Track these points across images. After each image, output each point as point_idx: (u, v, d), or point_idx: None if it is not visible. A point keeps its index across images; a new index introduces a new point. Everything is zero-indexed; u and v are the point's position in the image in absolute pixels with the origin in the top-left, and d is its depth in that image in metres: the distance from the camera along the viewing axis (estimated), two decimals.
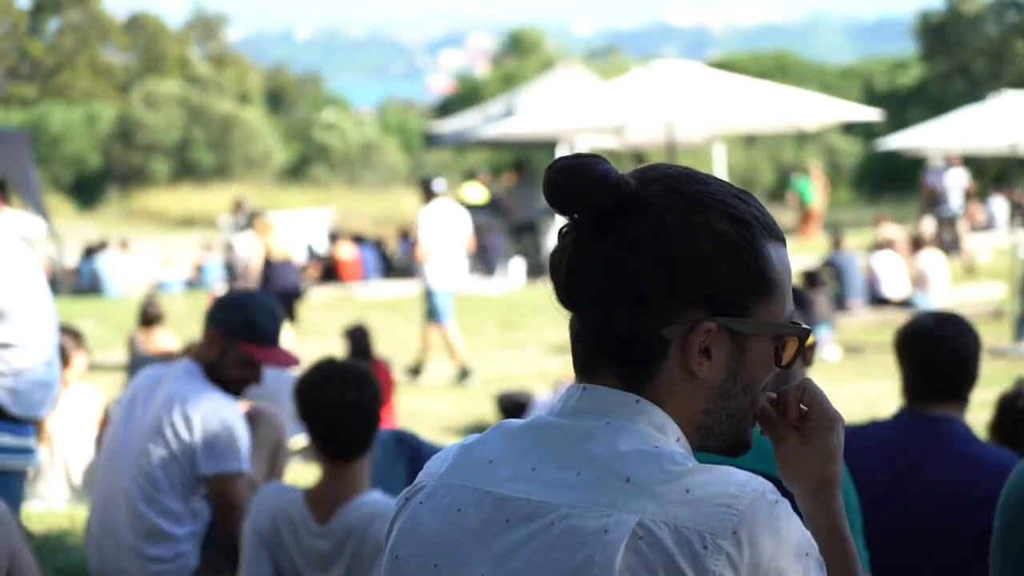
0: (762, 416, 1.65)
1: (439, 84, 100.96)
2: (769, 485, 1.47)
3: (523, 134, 17.38)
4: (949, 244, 19.01)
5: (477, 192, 21.27)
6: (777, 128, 17.15)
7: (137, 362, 9.94)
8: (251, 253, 14.61)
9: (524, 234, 19.58)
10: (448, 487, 1.58)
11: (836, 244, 15.90)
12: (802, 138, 35.34)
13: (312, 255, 20.65)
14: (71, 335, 6.53)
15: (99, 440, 6.36)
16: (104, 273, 20.81)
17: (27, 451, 4.38)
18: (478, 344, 14.25)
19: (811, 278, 13.50)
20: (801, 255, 17.71)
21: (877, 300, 15.16)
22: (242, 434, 4.13)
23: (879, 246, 16.26)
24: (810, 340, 1.64)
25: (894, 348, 3.62)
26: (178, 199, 38.53)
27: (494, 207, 20.29)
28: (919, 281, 15.08)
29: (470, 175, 23.46)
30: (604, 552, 1.45)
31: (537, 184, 15.87)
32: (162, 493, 4.10)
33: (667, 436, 1.53)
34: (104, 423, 6.44)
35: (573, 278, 1.56)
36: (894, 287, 15.15)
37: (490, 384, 11.19)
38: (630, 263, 1.52)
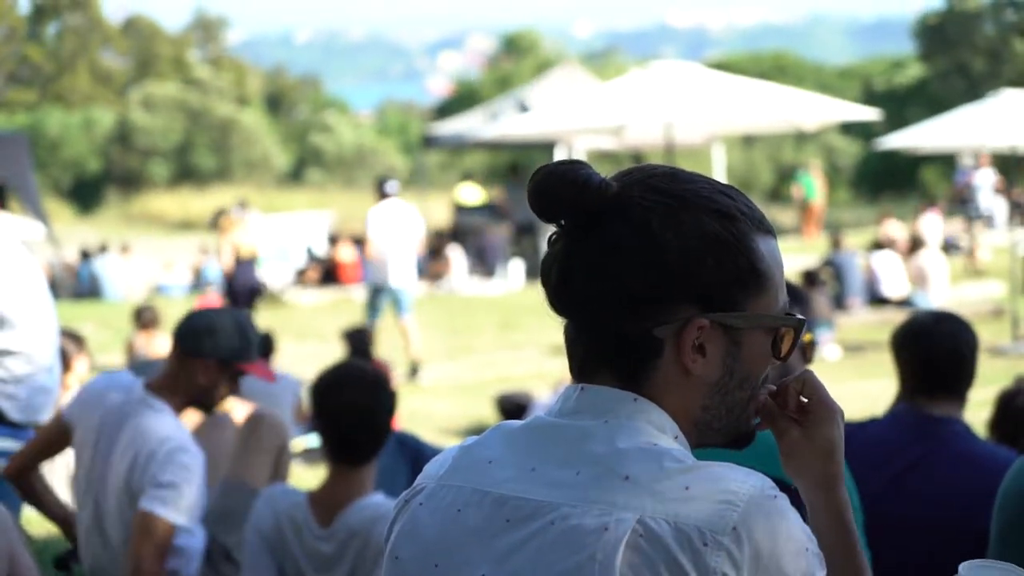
0: (763, 410, 1.64)
1: (438, 86, 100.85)
2: (768, 481, 1.48)
3: (521, 135, 17.37)
4: (968, 245, 19.12)
5: (473, 193, 21.28)
6: (776, 128, 17.15)
7: (136, 366, 9.94)
8: (222, 252, 14.64)
9: (523, 235, 19.59)
10: (448, 488, 1.59)
11: (835, 244, 15.91)
12: (801, 138, 35.35)
13: (311, 257, 20.65)
14: (73, 339, 6.52)
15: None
16: (104, 277, 20.83)
17: None
18: (477, 345, 14.25)
19: (811, 278, 13.51)
20: (801, 255, 17.72)
21: (877, 299, 15.15)
22: (198, 490, 3.78)
23: (880, 244, 16.27)
24: (807, 337, 1.64)
25: (892, 347, 3.60)
26: (177, 202, 38.53)
27: (491, 208, 20.30)
28: (918, 280, 15.07)
29: (467, 176, 23.47)
30: (605, 550, 1.45)
31: None
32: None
33: (665, 434, 1.53)
34: None
35: (563, 284, 1.56)
36: (893, 286, 15.14)
37: (490, 385, 11.19)
38: (616, 266, 1.52)
